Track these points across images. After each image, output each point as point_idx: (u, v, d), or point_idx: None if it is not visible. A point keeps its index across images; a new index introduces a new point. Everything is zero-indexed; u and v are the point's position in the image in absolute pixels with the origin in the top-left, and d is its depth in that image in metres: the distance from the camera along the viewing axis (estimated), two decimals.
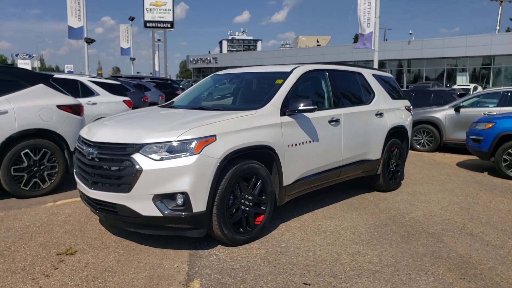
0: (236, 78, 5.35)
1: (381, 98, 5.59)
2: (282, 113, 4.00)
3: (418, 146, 9.74)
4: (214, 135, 3.36)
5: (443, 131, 9.39)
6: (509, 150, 6.62)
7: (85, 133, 3.80)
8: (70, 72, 29.02)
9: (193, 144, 3.24)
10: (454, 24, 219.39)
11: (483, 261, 3.36)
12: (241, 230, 3.62)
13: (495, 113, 8.47)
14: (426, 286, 2.93)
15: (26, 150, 4.92)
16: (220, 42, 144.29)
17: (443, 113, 9.47)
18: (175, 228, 3.36)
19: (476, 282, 3.01)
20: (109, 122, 3.92)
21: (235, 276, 3.06)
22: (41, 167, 5.08)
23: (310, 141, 4.23)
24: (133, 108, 8.67)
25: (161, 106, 4.93)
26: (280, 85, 4.25)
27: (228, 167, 3.44)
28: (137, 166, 3.18)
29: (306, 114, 4.18)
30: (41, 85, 5.21)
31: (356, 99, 5.25)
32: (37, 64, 48.04)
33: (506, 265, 3.29)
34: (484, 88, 30.14)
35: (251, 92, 5.01)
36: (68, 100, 5.47)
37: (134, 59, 39.15)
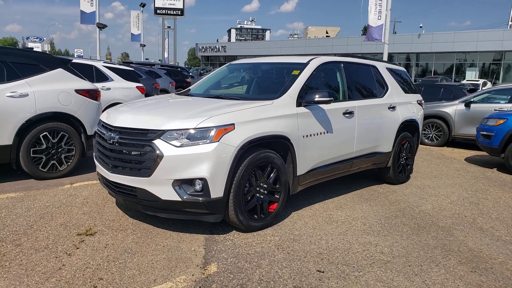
0: (252, 68, 5.39)
1: (394, 92, 5.61)
2: (298, 104, 4.05)
3: (427, 140, 9.75)
4: (233, 124, 3.43)
5: (452, 126, 9.39)
6: None
7: (105, 117, 3.87)
8: (80, 57, 29.10)
9: (213, 132, 3.31)
10: (465, 18, 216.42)
11: (493, 256, 3.43)
12: (256, 217, 3.71)
13: (506, 109, 8.46)
14: (438, 278, 3.01)
15: (45, 133, 5.03)
16: (229, 31, 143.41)
17: (453, 108, 9.46)
18: (193, 213, 3.44)
19: (487, 275, 3.09)
20: (129, 108, 3.98)
21: (251, 261, 3.15)
22: (59, 150, 5.19)
23: (324, 132, 4.28)
24: (145, 94, 8.75)
25: (178, 94, 4.99)
26: (297, 76, 4.29)
27: (245, 155, 3.51)
28: (158, 152, 3.26)
29: (321, 105, 4.23)
30: (60, 70, 5.29)
31: (370, 92, 5.28)
32: (47, 47, 48.21)
33: None
34: (494, 84, 29.87)
35: (267, 82, 5.05)
36: (86, 85, 5.55)
37: (144, 45, 39.16)
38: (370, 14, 15.50)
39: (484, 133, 7.20)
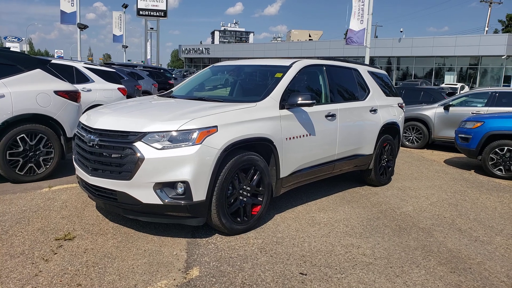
0: (235, 70, 5.38)
1: (375, 95, 5.68)
2: (281, 107, 4.06)
3: (407, 143, 9.93)
4: (216, 126, 3.40)
5: (432, 128, 9.59)
6: (496, 149, 6.81)
7: (85, 119, 3.79)
8: (60, 58, 28.52)
9: (195, 134, 3.28)
10: (443, 24, 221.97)
11: (472, 256, 3.50)
12: (239, 220, 3.69)
13: (483, 112, 8.68)
14: (418, 279, 3.05)
15: (22, 135, 4.89)
16: (212, 33, 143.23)
17: (432, 111, 9.66)
18: (175, 216, 3.40)
19: (466, 276, 3.14)
20: (110, 110, 3.91)
21: (233, 265, 3.13)
22: (37, 152, 5.05)
23: (307, 135, 4.30)
24: (127, 96, 8.63)
25: (160, 96, 4.93)
26: (280, 78, 4.30)
27: (228, 158, 3.49)
28: (139, 154, 3.21)
29: (304, 108, 4.24)
30: (38, 70, 5.16)
31: (351, 95, 5.33)
32: (26, 47, 47.01)
33: (494, 260, 3.43)
34: (471, 87, 30.66)
35: (250, 85, 5.05)
36: (66, 86, 5.43)
37: (126, 46, 38.68)
38: (352, 19, 15.68)
39: (462, 135, 7.37)
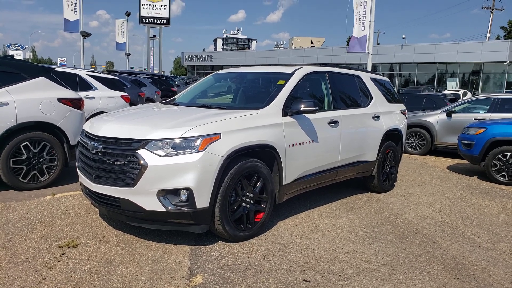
0: (238, 77, 5.41)
1: (378, 101, 5.70)
2: (284, 113, 4.07)
3: (410, 149, 9.91)
4: (219, 133, 3.42)
5: (434, 135, 9.57)
6: (499, 156, 6.79)
7: (88, 127, 3.82)
8: (63, 65, 28.69)
9: (198, 142, 3.30)
10: (445, 30, 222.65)
11: (475, 262, 3.48)
12: (242, 226, 3.69)
13: (485, 119, 8.67)
14: (422, 285, 3.04)
15: (26, 143, 4.92)
16: (215, 40, 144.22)
17: (435, 118, 9.65)
18: (178, 224, 3.40)
19: (470, 282, 3.12)
20: (113, 117, 3.94)
21: (237, 272, 3.12)
22: (40, 160, 5.08)
23: (310, 142, 4.31)
24: (130, 103, 8.67)
25: (163, 103, 4.96)
26: (283, 85, 4.32)
27: (231, 164, 3.50)
28: (142, 162, 3.22)
29: (306, 115, 4.26)
30: (42, 78, 5.20)
31: (354, 102, 5.35)
32: (29, 55, 47.32)
33: (497, 267, 3.41)
34: (474, 94, 30.64)
35: (253, 92, 5.07)
36: (69, 93, 5.47)
37: (129, 54, 38.92)
38: (354, 26, 15.76)
39: (465, 142, 7.35)
